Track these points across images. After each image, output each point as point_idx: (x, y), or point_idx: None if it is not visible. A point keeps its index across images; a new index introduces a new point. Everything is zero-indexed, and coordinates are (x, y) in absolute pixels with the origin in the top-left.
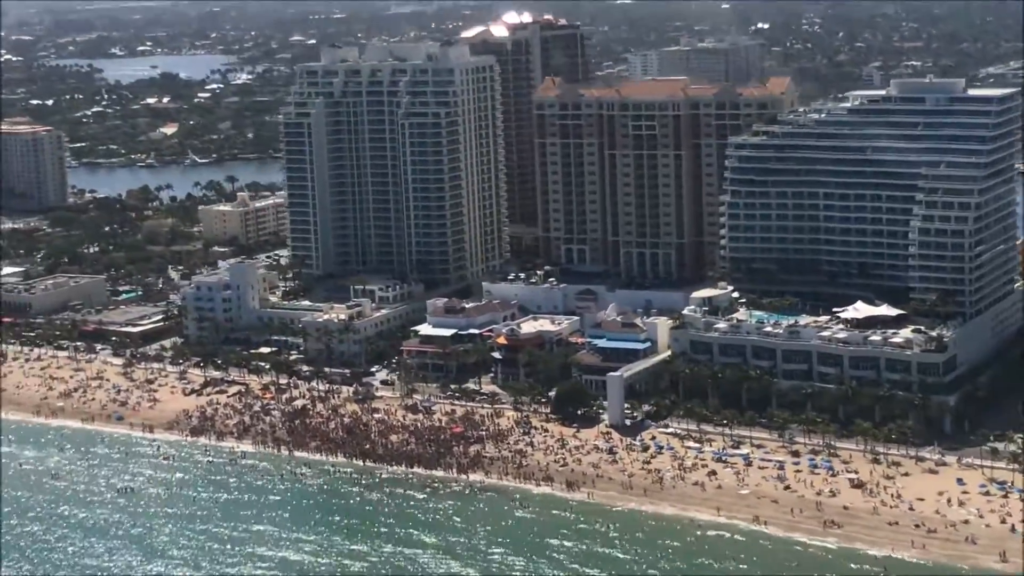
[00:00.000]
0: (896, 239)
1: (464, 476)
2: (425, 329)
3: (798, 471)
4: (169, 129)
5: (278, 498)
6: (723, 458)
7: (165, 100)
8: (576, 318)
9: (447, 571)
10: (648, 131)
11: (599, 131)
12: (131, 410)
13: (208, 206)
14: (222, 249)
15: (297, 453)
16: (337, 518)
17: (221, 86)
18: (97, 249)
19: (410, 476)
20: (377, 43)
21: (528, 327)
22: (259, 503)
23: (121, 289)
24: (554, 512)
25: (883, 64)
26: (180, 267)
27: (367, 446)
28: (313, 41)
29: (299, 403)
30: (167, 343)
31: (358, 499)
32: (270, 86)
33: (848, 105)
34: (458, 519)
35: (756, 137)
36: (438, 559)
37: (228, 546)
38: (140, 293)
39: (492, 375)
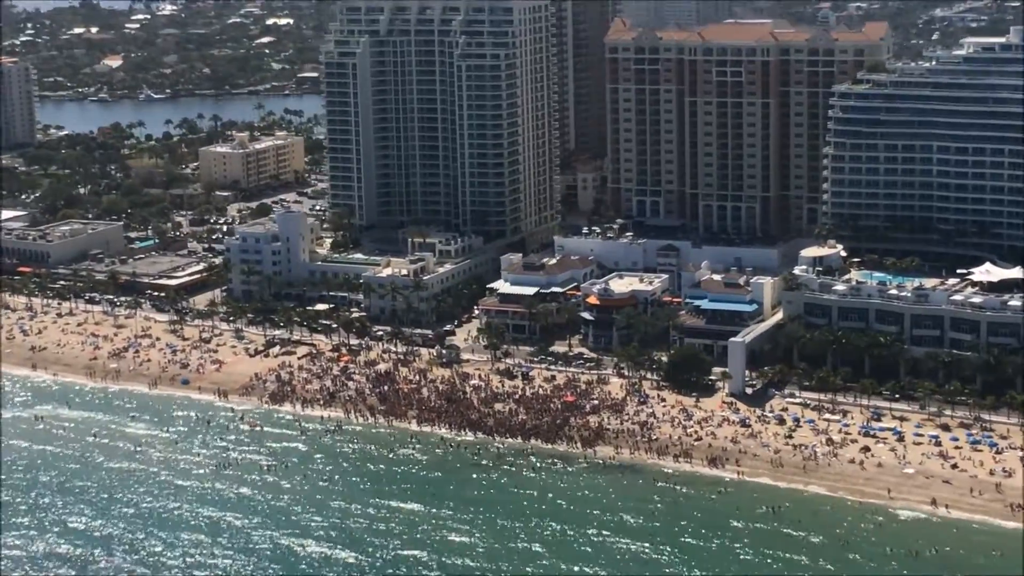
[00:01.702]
0: (1020, 196)
1: (591, 450)
2: (503, 287)
3: (958, 447)
4: (113, 62)
5: (405, 472)
6: (871, 432)
7: (94, 30)
8: (665, 276)
9: (651, 556)
10: (734, 78)
11: (678, 77)
12: (196, 373)
13: (206, 147)
14: (224, 193)
15: (396, 423)
16: (477, 493)
17: (147, 16)
18: (88, 191)
19: (529, 450)
20: None
21: (617, 286)
22: (388, 478)
23: (134, 236)
24: (712, 491)
25: (833, 5)
26: (184, 212)
27: (473, 416)
28: None
29: (382, 367)
30: (212, 297)
31: (492, 475)
32: (201, 18)
33: (962, 53)
34: (618, 498)
35: (861, 86)
36: (636, 543)
37: (381, 525)
38: (157, 241)
39: (582, 337)
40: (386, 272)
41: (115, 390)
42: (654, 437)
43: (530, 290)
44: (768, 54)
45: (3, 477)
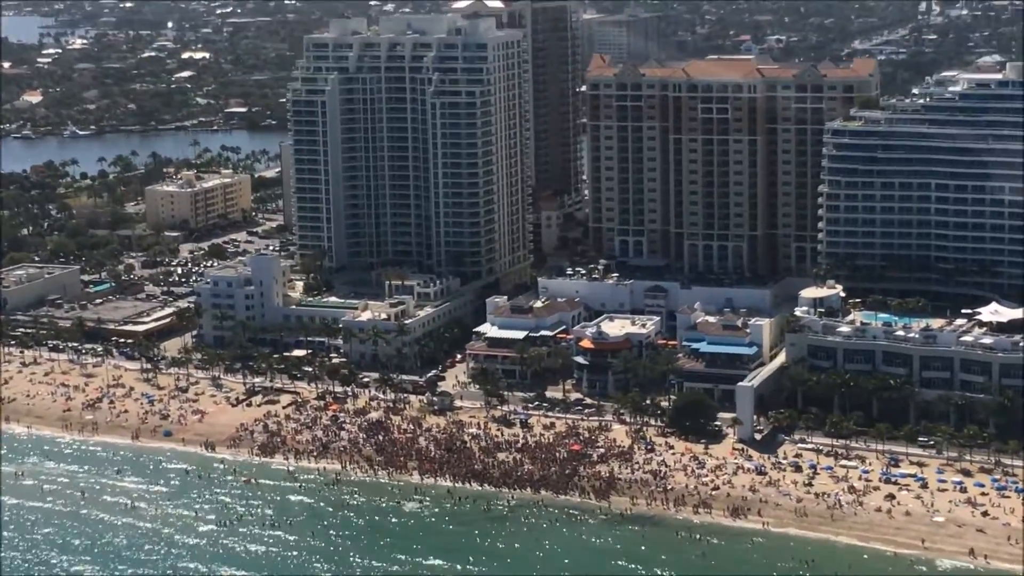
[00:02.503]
0: (1021, 234)
1: (604, 502)
2: (491, 331)
3: (984, 493)
4: (33, 97)
5: (419, 526)
6: (892, 479)
7: (7, 65)
8: (656, 318)
9: None
10: (719, 115)
11: (662, 114)
12: (178, 424)
13: (152, 186)
14: (173, 233)
15: (396, 475)
16: (500, 547)
17: (59, 50)
18: (31, 232)
19: (541, 502)
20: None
21: (610, 329)
22: (404, 532)
23: (87, 280)
24: (740, 543)
25: (753, 37)
26: (133, 254)
27: (476, 467)
28: (131, 4)
29: (374, 415)
30: (182, 343)
31: (511, 528)
32: (114, 51)
33: (957, 89)
34: (646, 552)
35: (854, 123)
36: None
37: None
38: (113, 284)
39: (575, 382)
40: (365, 316)
41: (95, 443)
42: (669, 487)
43: (519, 334)
44: (755, 91)
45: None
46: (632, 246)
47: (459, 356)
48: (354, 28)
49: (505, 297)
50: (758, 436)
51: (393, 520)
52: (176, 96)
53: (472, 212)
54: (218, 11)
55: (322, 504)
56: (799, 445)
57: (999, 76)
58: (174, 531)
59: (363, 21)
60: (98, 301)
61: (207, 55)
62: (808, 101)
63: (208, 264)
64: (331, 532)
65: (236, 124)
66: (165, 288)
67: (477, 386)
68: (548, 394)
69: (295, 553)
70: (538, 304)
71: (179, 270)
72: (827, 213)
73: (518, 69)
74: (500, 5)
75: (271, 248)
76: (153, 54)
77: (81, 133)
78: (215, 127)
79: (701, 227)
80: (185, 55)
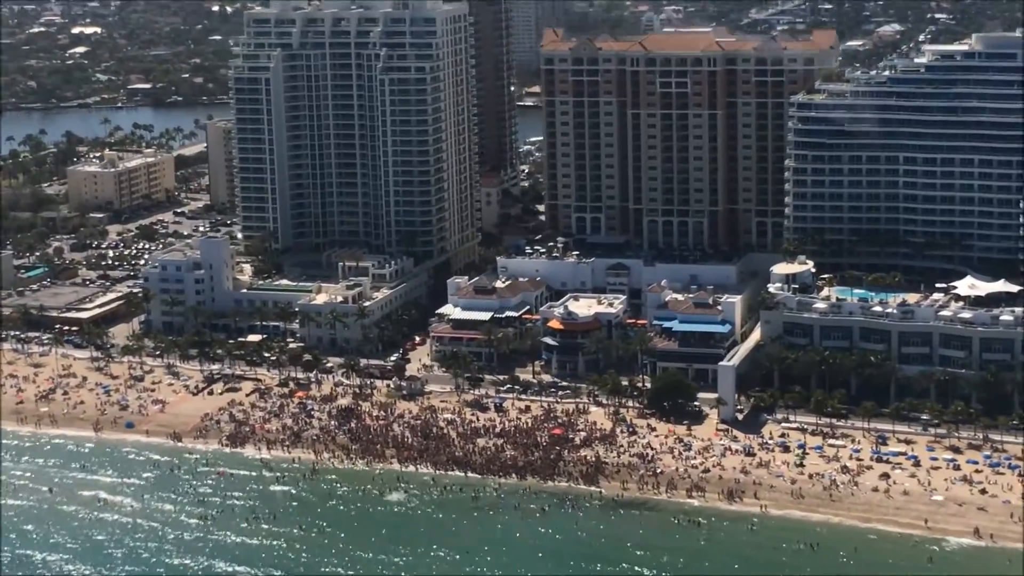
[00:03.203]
0: (992, 207)
1: (594, 488)
2: (455, 312)
3: (978, 471)
4: None
5: (411, 516)
6: (883, 458)
7: None
8: (623, 297)
9: None
10: (678, 88)
11: (619, 88)
12: (139, 415)
13: (73, 166)
14: (99, 215)
15: (375, 463)
16: (501, 536)
17: None
18: None
19: (529, 489)
20: None
21: (577, 308)
22: (398, 522)
23: (17, 264)
24: (741, 527)
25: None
26: (59, 236)
27: (457, 453)
28: None
29: (342, 402)
30: (129, 329)
31: (505, 517)
32: (3, 27)
33: (923, 61)
34: (647, 537)
35: (818, 96)
36: None
37: (423, 571)
38: (47, 269)
39: (544, 363)
40: (321, 299)
41: (55, 436)
42: (658, 470)
43: (484, 315)
44: (714, 64)
45: None
46: (590, 223)
47: (418, 339)
48: (295, 4)
49: (466, 277)
50: (739, 416)
51: (381, 510)
52: (75, 72)
53: (423, 191)
54: None
55: (305, 495)
56: (783, 425)
57: (964, 47)
58: (158, 525)
59: None
60: (34, 287)
61: (98, 30)
62: (768, 75)
63: (140, 246)
64: (323, 524)
65: (140, 101)
66: (101, 272)
67: (444, 369)
68: (520, 376)
69: (289, 546)
70: (500, 284)
71: (110, 253)
72: (794, 188)
73: (464, 44)
74: None
75: (201, 229)
76: (42, 29)
77: None
78: (119, 104)
79: (661, 203)
80: (75, 30)
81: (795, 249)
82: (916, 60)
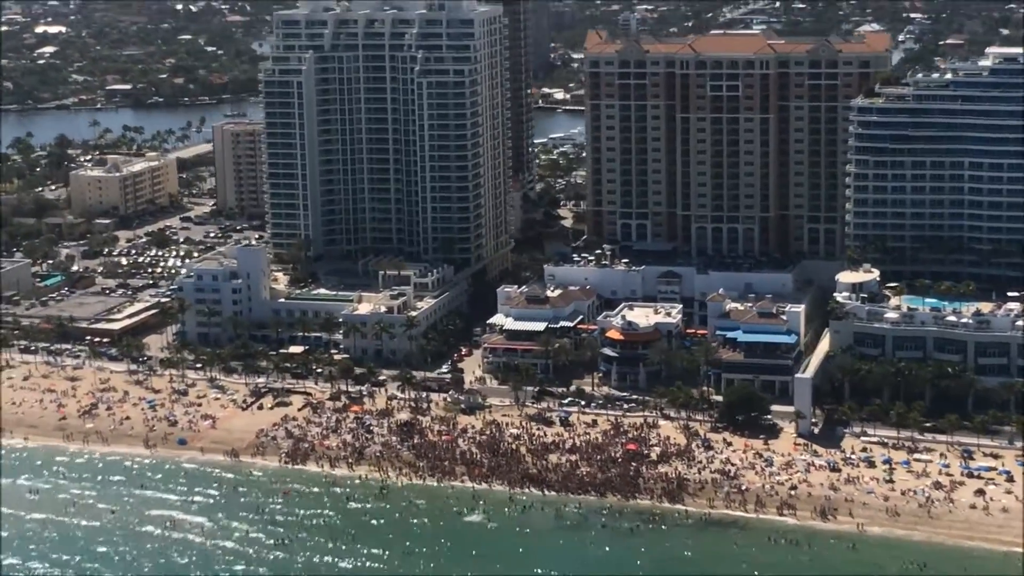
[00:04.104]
0: None
1: (679, 506)
2: (507, 322)
3: None
4: None
5: (506, 537)
6: (974, 473)
7: None
8: (680, 306)
9: None
10: (729, 92)
11: (667, 92)
12: (190, 431)
13: (74, 171)
14: (105, 221)
15: (446, 481)
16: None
17: None
18: None
19: (611, 507)
20: None
21: (635, 318)
22: (495, 545)
23: (36, 273)
24: (842, 547)
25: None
26: (70, 243)
27: (531, 471)
28: None
29: (402, 417)
30: (163, 340)
31: (600, 538)
32: None
33: (987, 64)
34: (753, 559)
35: (878, 100)
36: None
37: None
38: (63, 277)
39: (602, 375)
40: (364, 309)
41: (107, 454)
42: (743, 487)
43: (538, 325)
44: (767, 66)
45: (52, 555)
46: (636, 229)
47: (464, 349)
48: (325, 4)
49: (516, 286)
50: (815, 430)
51: (465, 530)
52: (50, 73)
53: (461, 196)
54: None
55: (382, 514)
56: (863, 439)
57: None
58: (236, 545)
59: None
60: (58, 297)
61: (63, 29)
62: (823, 78)
63: (153, 253)
64: (410, 544)
65: (120, 102)
66: (119, 281)
67: (499, 381)
68: (582, 389)
69: (384, 567)
70: (552, 293)
71: (124, 260)
72: (855, 194)
73: (499, 46)
74: None
75: (212, 234)
76: (5, 28)
77: None
78: (98, 105)
79: (710, 209)
80: (39, 29)
81: (859, 257)
82: (979, 63)
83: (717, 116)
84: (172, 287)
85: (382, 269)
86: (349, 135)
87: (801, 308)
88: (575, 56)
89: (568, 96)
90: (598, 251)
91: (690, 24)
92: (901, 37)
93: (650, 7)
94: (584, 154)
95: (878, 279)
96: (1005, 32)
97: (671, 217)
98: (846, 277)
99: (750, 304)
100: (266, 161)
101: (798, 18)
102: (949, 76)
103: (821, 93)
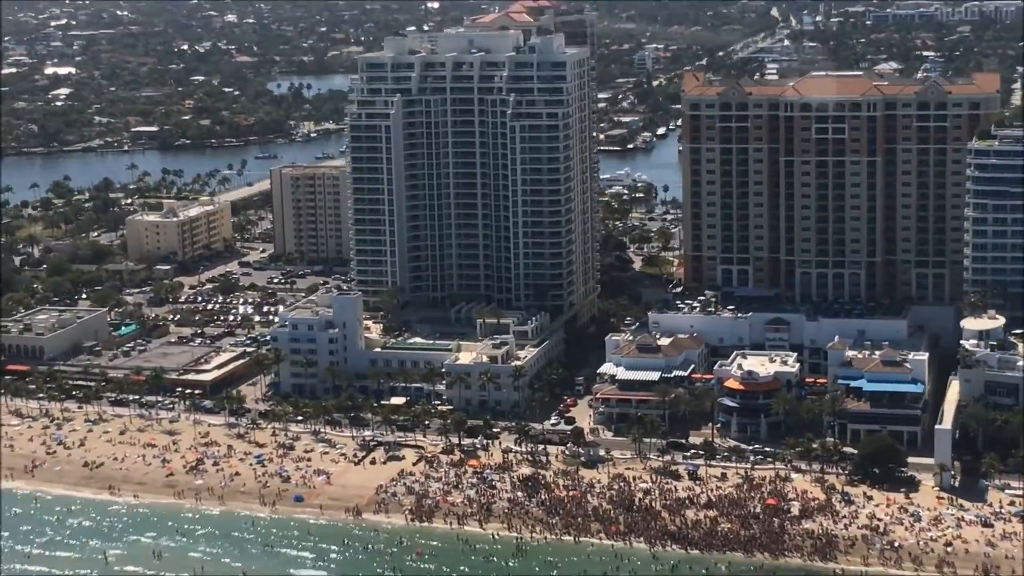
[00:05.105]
0: None
1: (834, 564)
2: (619, 372)
3: None
4: None
5: None
6: None
7: None
8: (795, 354)
9: None
10: (835, 135)
11: (770, 135)
12: (305, 488)
13: (132, 216)
14: (164, 267)
15: (584, 539)
16: None
17: None
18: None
19: (763, 567)
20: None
21: (752, 367)
22: None
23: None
24: None
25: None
26: (135, 289)
27: (670, 528)
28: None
29: (524, 471)
30: (257, 392)
31: None
32: None
33: None
34: None
35: (991, 142)
36: None
37: None
38: (137, 327)
39: (720, 426)
40: (465, 359)
41: (224, 512)
42: (895, 544)
43: (652, 375)
44: (874, 108)
45: None
46: (736, 275)
47: (568, 399)
48: (411, 47)
49: (624, 334)
50: (955, 482)
51: None
52: (71, 115)
53: (554, 242)
54: (52, 23)
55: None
56: (1008, 492)
57: None
58: None
59: (418, 39)
60: (138, 347)
61: (73, 70)
62: (931, 120)
63: (220, 300)
64: None
65: (145, 144)
66: (195, 330)
67: (611, 432)
68: (711, 441)
69: None
70: (664, 342)
71: (189, 307)
72: (973, 238)
73: (587, 88)
74: (527, 19)
75: (275, 280)
76: (14, 70)
77: None
78: (125, 147)
79: (814, 254)
80: (48, 70)
81: (981, 303)
82: None
83: (822, 159)
84: (258, 336)
85: (480, 317)
86: (436, 179)
87: (925, 356)
88: (602, 96)
89: (603, 136)
90: (701, 297)
91: (704, 62)
92: (919, 75)
93: (660, 47)
94: (639, 195)
95: (1001, 325)
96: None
97: (773, 262)
98: (972, 324)
99: (867, 352)
100: (352, 207)
101: (808, 56)
102: None
103: (930, 135)
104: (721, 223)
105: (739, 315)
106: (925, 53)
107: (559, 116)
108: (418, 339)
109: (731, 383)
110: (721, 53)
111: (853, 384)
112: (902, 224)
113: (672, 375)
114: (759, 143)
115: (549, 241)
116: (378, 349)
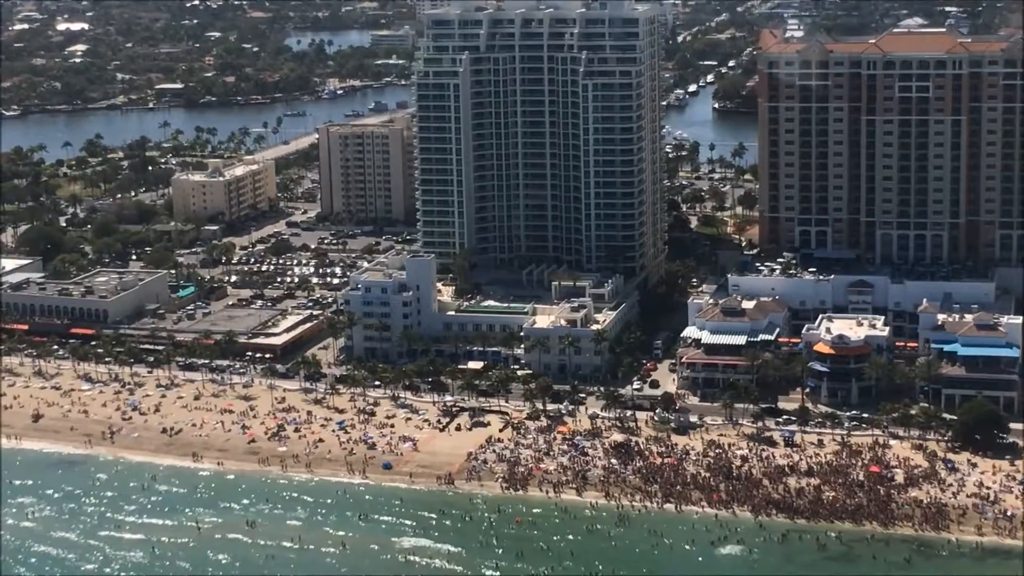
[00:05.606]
0: None
1: (947, 534)
2: (704, 336)
3: None
4: None
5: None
6: None
7: None
8: (880, 317)
9: None
10: (919, 93)
11: (851, 94)
12: (393, 455)
13: (177, 175)
14: (212, 228)
15: (686, 508)
16: None
17: None
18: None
19: (875, 537)
20: None
21: (841, 331)
22: None
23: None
24: None
25: None
26: (184, 250)
27: (774, 496)
28: None
29: (617, 438)
30: (328, 356)
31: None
32: None
33: None
34: None
35: None
36: None
37: None
38: (195, 289)
39: (810, 391)
40: (542, 322)
41: (311, 479)
42: (1008, 513)
43: (739, 339)
44: (959, 66)
45: None
46: (815, 236)
47: (647, 363)
48: (477, 4)
49: (708, 297)
50: None
51: (730, 562)
52: (93, 72)
53: (627, 203)
54: None
55: (638, 544)
56: None
57: None
58: None
59: None
60: (202, 310)
61: (85, 26)
62: (1018, 77)
63: (274, 262)
64: None
65: (170, 102)
66: (255, 292)
67: (697, 398)
68: (807, 407)
69: None
70: (749, 305)
71: (245, 268)
72: None
73: (657, 47)
74: None
75: (326, 241)
76: (26, 26)
77: (7, 114)
78: (150, 105)
79: (895, 215)
80: (60, 26)
81: None
82: None
83: (905, 118)
84: (319, 299)
85: (556, 280)
86: (505, 139)
87: (1019, 320)
88: None
89: None
90: (781, 259)
91: (724, 17)
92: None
93: (678, 1)
94: (683, 153)
95: None
96: None
97: (853, 224)
98: None
99: (958, 315)
100: (419, 167)
101: (831, 10)
102: None
103: (1016, 94)
104: (800, 184)
105: (821, 277)
106: (947, 8)
107: (632, 75)
108: (492, 302)
109: (821, 347)
110: (740, 8)
111: (946, 348)
112: (986, 184)
113: (758, 339)
114: (839, 102)
115: (621, 202)
116: (452, 312)
